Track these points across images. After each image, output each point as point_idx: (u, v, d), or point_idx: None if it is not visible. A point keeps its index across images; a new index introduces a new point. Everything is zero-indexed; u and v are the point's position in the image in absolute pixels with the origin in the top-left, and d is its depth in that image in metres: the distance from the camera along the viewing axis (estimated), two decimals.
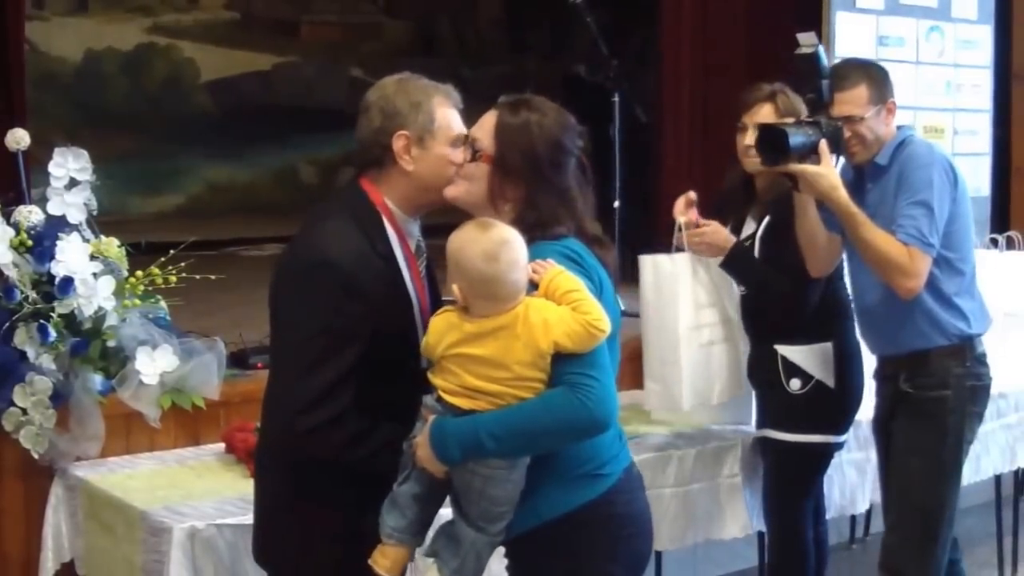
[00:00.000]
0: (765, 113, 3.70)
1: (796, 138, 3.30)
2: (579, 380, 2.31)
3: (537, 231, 2.45)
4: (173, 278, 4.01)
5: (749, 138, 3.69)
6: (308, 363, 2.51)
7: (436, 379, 2.42)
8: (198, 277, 4.05)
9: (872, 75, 3.54)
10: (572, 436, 2.35)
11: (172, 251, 4.10)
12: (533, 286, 2.38)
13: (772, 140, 3.33)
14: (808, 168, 3.30)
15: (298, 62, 10.61)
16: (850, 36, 5.06)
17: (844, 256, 3.71)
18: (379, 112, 2.60)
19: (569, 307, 2.32)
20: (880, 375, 3.74)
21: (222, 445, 3.84)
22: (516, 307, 2.35)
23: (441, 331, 2.41)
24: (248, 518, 3.00)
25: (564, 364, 2.33)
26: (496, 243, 2.35)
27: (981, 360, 3.61)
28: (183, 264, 4.05)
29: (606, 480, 2.44)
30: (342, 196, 2.71)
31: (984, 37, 5.56)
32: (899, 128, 3.58)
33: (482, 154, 2.52)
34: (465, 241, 2.38)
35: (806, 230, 3.54)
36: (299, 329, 2.54)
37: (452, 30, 11.21)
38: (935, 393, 3.54)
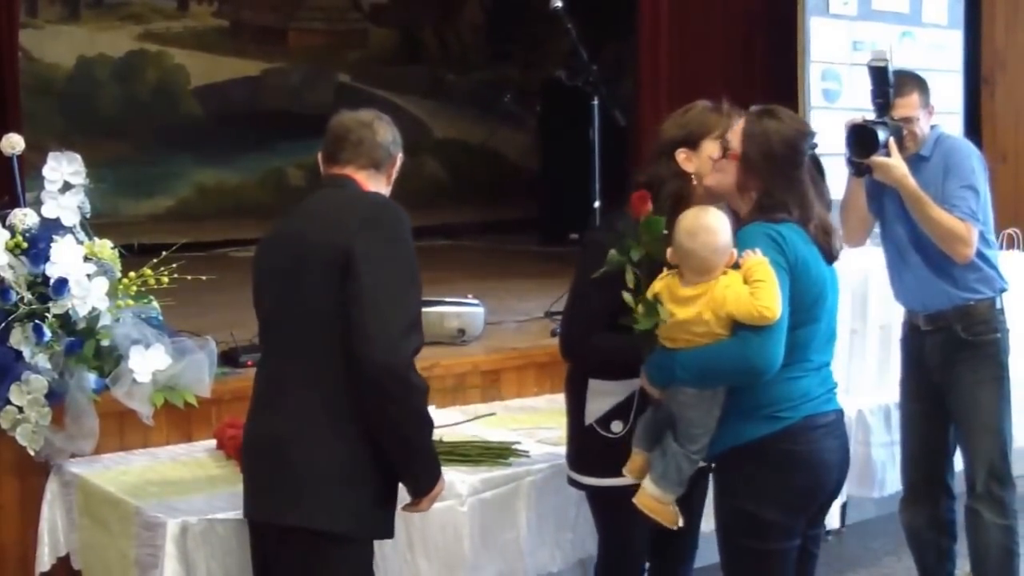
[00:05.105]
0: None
1: (882, 135, 3.84)
2: (746, 334, 2.89)
3: (765, 214, 3.01)
4: (165, 279, 4.05)
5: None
6: (399, 291, 2.86)
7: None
8: (189, 278, 4.08)
9: (921, 84, 4.12)
10: (736, 376, 2.95)
11: (164, 253, 4.13)
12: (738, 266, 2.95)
13: (863, 137, 3.88)
14: (885, 160, 3.88)
15: (286, 68, 10.58)
16: (824, 41, 5.13)
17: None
18: (390, 131, 3.14)
19: (751, 290, 2.87)
20: (918, 331, 4.17)
21: (214, 441, 3.90)
22: (712, 280, 2.93)
23: (658, 292, 3.01)
24: (238, 513, 3.10)
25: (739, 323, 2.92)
26: (700, 226, 2.95)
27: (1003, 311, 4.18)
28: (174, 265, 4.08)
29: (780, 422, 2.97)
30: (347, 184, 3.09)
31: (954, 42, 5.63)
32: (932, 127, 4.14)
33: (732, 153, 3.08)
34: (681, 220, 3.00)
35: (857, 208, 4.14)
36: (392, 261, 2.89)
37: (436, 37, 11.21)
38: (990, 336, 4.10)
